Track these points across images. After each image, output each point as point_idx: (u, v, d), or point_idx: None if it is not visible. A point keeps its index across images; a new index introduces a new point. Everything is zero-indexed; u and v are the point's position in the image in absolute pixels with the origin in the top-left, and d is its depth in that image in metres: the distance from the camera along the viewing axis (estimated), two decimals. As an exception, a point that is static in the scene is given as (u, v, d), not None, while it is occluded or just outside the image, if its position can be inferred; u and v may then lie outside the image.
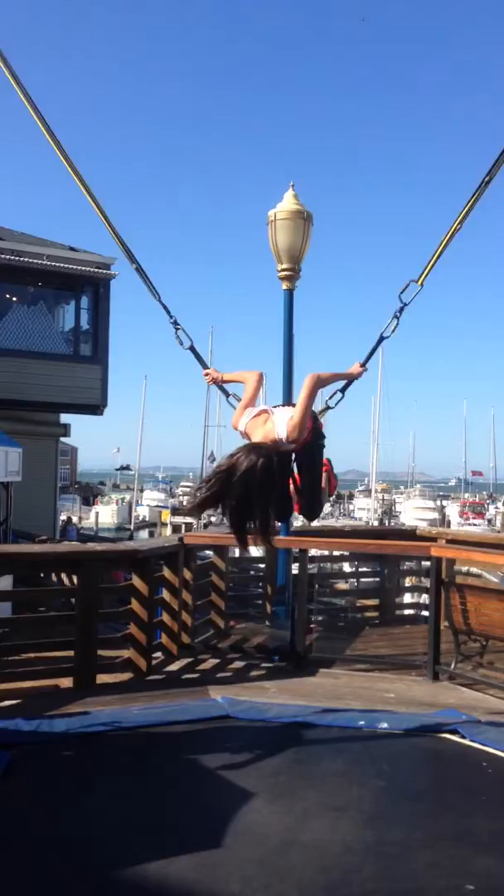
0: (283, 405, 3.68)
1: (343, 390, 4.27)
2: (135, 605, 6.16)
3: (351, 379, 4.17)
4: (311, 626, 7.21)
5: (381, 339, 4.31)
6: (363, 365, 4.14)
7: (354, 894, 2.99)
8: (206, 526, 23.49)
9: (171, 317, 4.71)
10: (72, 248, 18.31)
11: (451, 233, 4.37)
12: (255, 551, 8.16)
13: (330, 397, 4.34)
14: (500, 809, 3.84)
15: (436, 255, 4.34)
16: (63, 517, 39.43)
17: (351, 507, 60.80)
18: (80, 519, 44.02)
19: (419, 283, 4.29)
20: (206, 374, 4.30)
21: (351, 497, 67.54)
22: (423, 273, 4.34)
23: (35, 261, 17.20)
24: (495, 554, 6.91)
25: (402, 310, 4.28)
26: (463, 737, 4.73)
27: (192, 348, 4.71)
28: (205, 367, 4.48)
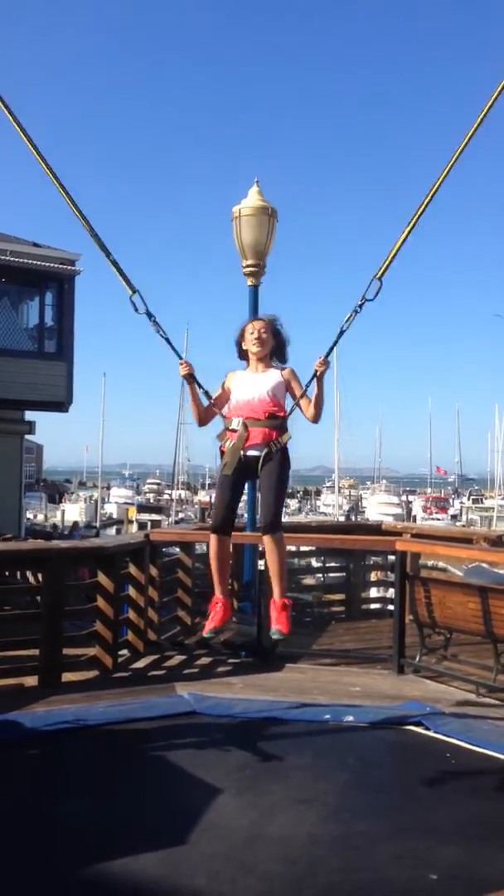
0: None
1: (307, 384, 4.26)
2: (100, 602, 6.12)
3: (317, 377, 4.17)
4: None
5: (341, 333, 4.28)
6: (324, 361, 4.15)
7: (320, 886, 3.01)
8: (176, 523, 23.44)
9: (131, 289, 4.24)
10: (35, 244, 18.09)
11: (410, 226, 4.33)
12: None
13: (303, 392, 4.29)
14: (464, 800, 3.90)
15: (394, 251, 4.33)
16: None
17: (318, 503, 61.21)
18: (47, 517, 43.63)
19: (378, 277, 4.27)
20: (183, 365, 4.19)
21: (318, 493, 68.07)
22: (381, 269, 4.32)
23: (-2, 256, 16.97)
24: (458, 547, 7.01)
25: (361, 306, 4.27)
26: (427, 729, 4.79)
27: (167, 339, 4.45)
28: (180, 357, 4.30)
